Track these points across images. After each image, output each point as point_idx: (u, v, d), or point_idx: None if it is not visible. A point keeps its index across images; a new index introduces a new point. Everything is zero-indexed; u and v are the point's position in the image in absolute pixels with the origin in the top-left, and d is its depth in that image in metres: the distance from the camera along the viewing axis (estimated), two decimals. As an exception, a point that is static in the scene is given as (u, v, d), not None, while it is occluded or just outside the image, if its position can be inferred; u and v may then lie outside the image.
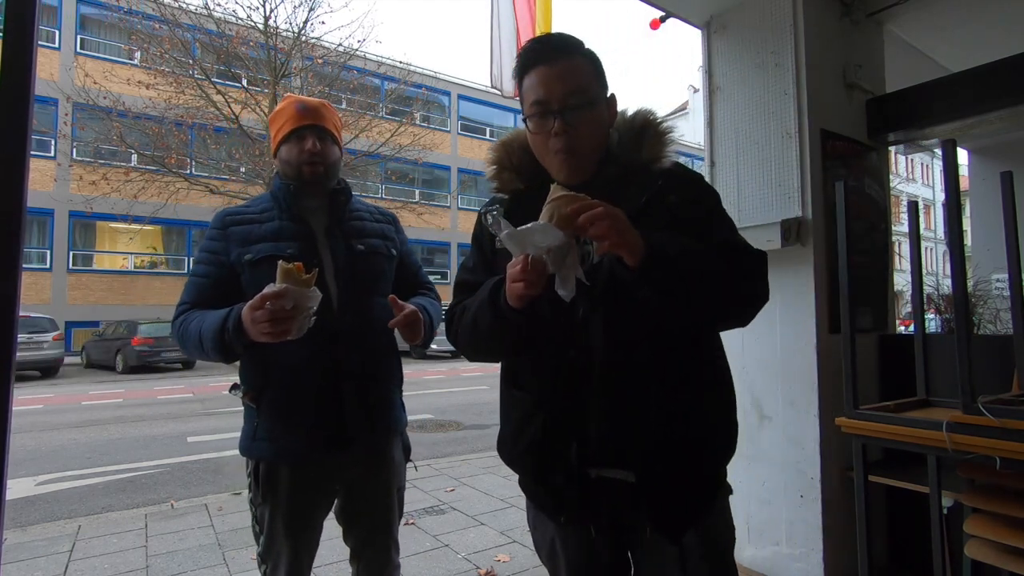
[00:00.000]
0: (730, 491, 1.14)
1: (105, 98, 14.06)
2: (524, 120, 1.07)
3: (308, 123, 1.44)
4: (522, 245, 0.87)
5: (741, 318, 1.04)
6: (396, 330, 1.47)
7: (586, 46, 1.07)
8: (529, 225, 0.86)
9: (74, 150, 16.60)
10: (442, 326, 1.32)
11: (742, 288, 1.00)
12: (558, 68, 1.01)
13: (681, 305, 0.95)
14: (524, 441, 1.08)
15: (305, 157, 1.42)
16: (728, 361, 1.14)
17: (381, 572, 1.56)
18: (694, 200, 1.06)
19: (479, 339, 1.08)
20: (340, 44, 16.39)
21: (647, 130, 1.09)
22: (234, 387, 1.47)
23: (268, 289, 1.17)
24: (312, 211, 1.47)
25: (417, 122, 20.67)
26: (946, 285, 3.36)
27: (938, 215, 33.02)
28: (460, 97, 24.94)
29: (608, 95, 1.07)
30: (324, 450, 1.41)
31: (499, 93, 3.30)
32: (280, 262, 1.18)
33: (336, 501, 1.54)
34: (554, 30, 3.15)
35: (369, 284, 1.50)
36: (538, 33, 3.14)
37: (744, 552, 2.49)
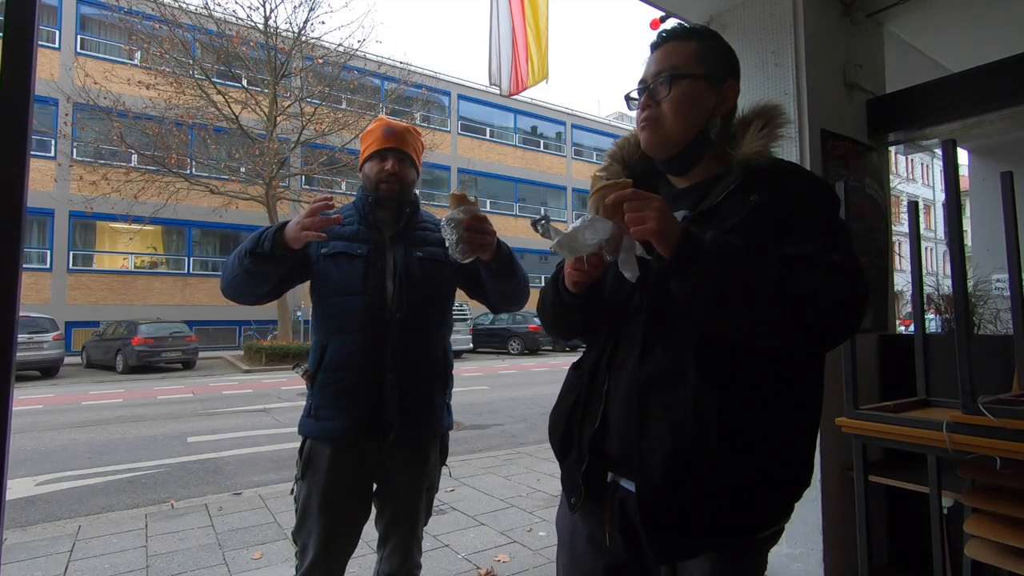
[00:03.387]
0: (766, 549, 1.01)
1: (105, 98, 14.07)
2: (627, 100, 1.10)
3: (391, 146, 1.60)
4: (574, 249, 0.90)
5: (797, 343, 0.89)
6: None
7: (710, 35, 1.07)
8: (577, 224, 0.89)
9: (74, 150, 16.60)
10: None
11: (794, 310, 0.85)
12: (662, 50, 1.05)
13: (712, 308, 0.87)
14: (558, 415, 1.12)
15: (384, 176, 1.59)
16: (820, 392, 1.00)
17: (401, 567, 1.60)
18: (781, 204, 0.94)
19: (545, 317, 1.16)
20: (340, 44, 16.40)
21: (754, 122, 1.03)
22: (296, 365, 1.64)
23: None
24: (385, 220, 1.63)
25: (417, 122, 20.70)
26: (946, 285, 3.36)
27: (938, 215, 33.01)
28: (460, 97, 24.94)
29: (724, 83, 1.04)
30: (362, 435, 1.51)
31: (498, 91, 3.31)
32: (452, 191, 1.37)
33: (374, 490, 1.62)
34: (551, 30, 3.16)
35: (422, 287, 1.59)
36: (530, 32, 3.14)
37: (744, 552, 2.49)
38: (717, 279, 0.84)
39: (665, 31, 1.06)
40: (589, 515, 1.06)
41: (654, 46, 1.06)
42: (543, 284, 1.20)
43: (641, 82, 1.06)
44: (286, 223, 1.43)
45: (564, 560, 1.14)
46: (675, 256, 0.85)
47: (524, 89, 3.23)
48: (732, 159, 1.02)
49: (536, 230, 0.95)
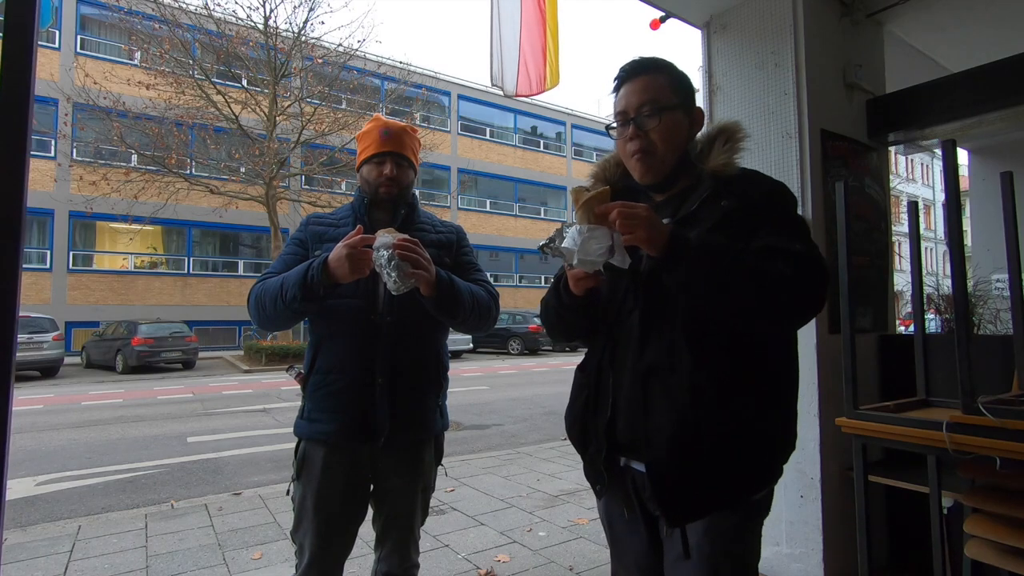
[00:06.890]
0: (762, 510, 1.13)
1: (105, 98, 14.06)
2: (607, 130, 1.24)
3: (389, 149, 1.60)
4: (593, 263, 1.00)
5: (773, 321, 1.04)
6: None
7: (672, 66, 1.20)
8: (574, 236, 0.99)
9: (74, 150, 16.59)
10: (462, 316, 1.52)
11: (770, 293, 0.99)
12: (637, 83, 1.17)
13: (703, 297, 1.01)
14: (573, 414, 1.24)
15: (383, 180, 1.60)
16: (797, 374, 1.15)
17: (399, 567, 1.60)
18: (749, 206, 1.09)
19: (548, 320, 1.28)
20: (340, 44, 16.41)
21: (718, 139, 1.18)
22: (290, 367, 1.66)
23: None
24: (380, 222, 1.62)
25: (417, 122, 20.69)
26: (946, 285, 3.36)
27: (938, 215, 33.01)
28: (460, 97, 24.93)
29: (693, 109, 1.19)
30: (354, 437, 1.51)
31: (500, 92, 3.29)
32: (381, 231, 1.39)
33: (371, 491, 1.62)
34: (557, 31, 3.15)
35: (415, 290, 1.56)
36: (548, 33, 3.13)
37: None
38: (704, 270, 0.98)
39: (627, 68, 1.19)
40: (616, 498, 1.21)
41: (624, 80, 1.18)
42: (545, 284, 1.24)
43: (621, 114, 1.18)
44: (325, 260, 1.40)
45: (610, 542, 1.28)
46: (666, 254, 0.99)
47: (542, 91, 3.19)
48: (701, 172, 1.17)
49: (546, 252, 1.05)
